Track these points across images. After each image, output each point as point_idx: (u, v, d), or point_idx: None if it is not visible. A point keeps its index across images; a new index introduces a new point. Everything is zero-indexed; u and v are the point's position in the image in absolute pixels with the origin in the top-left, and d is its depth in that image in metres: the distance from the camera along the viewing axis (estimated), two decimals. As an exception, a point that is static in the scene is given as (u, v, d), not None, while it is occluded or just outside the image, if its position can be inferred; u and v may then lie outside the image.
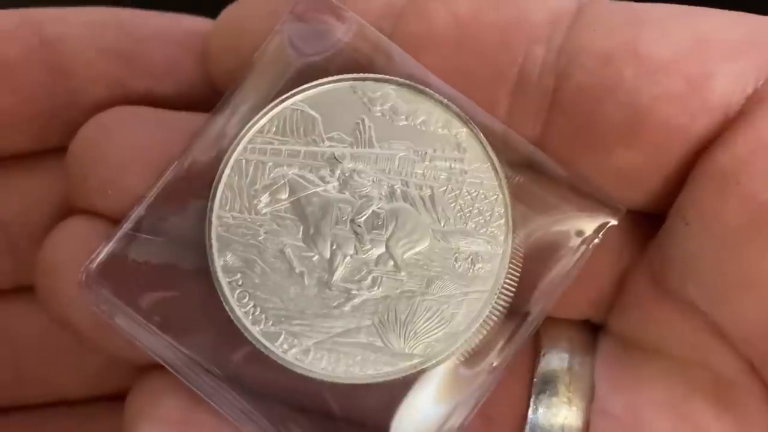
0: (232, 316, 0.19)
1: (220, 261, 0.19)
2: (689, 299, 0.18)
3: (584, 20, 0.19)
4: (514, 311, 0.19)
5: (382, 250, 0.19)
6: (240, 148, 0.19)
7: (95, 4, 0.23)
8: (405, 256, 0.19)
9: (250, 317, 0.19)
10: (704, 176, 0.18)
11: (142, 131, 0.21)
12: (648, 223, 0.19)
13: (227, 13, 0.21)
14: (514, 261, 0.19)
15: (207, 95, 0.22)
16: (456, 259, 0.19)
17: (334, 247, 0.19)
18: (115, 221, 0.20)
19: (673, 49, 0.18)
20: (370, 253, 0.19)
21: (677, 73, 0.18)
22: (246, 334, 0.19)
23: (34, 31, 0.21)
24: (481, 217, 0.19)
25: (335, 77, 0.19)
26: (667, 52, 0.18)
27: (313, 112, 0.19)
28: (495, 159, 0.19)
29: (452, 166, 0.19)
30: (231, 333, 0.19)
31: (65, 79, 0.21)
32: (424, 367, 0.19)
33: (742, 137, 0.17)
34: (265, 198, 0.19)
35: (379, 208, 0.19)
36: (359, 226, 0.19)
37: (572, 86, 0.18)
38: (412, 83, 0.19)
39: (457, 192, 0.19)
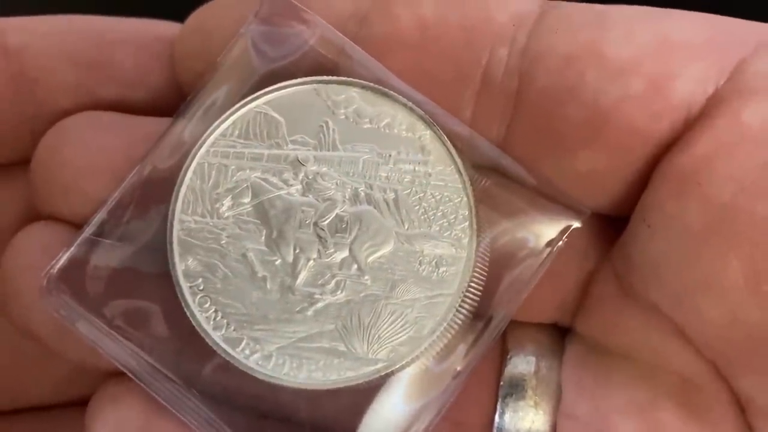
0: (193, 322, 0.19)
1: (181, 265, 0.19)
2: (653, 302, 0.18)
3: (547, 22, 0.19)
4: (479, 315, 0.19)
5: (345, 253, 0.19)
6: (202, 151, 0.19)
7: (74, 10, 0.23)
8: (369, 260, 0.19)
9: (212, 322, 0.19)
10: (665, 178, 0.18)
11: (105, 136, 0.20)
12: (613, 225, 0.19)
13: (194, 17, 0.21)
14: (478, 264, 0.19)
15: (178, 101, 0.21)
16: (420, 263, 0.19)
17: (297, 251, 0.19)
18: (78, 226, 0.19)
19: (635, 51, 0.18)
20: (333, 256, 0.19)
21: (639, 74, 0.18)
22: (207, 340, 0.19)
23: None
24: (445, 220, 0.19)
25: (299, 80, 0.19)
26: (629, 53, 0.18)
27: (276, 115, 0.19)
28: (459, 161, 0.19)
29: (416, 168, 0.19)
30: (193, 339, 0.19)
31: (30, 89, 0.21)
32: (388, 371, 0.19)
33: (702, 138, 0.17)
34: (227, 201, 0.19)
35: (342, 211, 0.19)
36: (323, 229, 0.19)
37: (535, 88, 0.18)
38: (377, 86, 0.19)
39: (422, 195, 0.19)
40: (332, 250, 0.19)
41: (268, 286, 0.19)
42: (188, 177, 0.19)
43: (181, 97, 0.21)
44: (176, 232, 0.19)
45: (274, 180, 0.19)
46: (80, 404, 0.22)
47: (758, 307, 0.17)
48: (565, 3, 0.19)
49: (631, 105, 0.18)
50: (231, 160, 0.19)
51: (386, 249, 0.19)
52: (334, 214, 0.19)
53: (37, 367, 0.23)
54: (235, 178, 0.19)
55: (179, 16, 0.22)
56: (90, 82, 0.21)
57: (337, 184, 0.19)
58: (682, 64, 0.18)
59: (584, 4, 0.19)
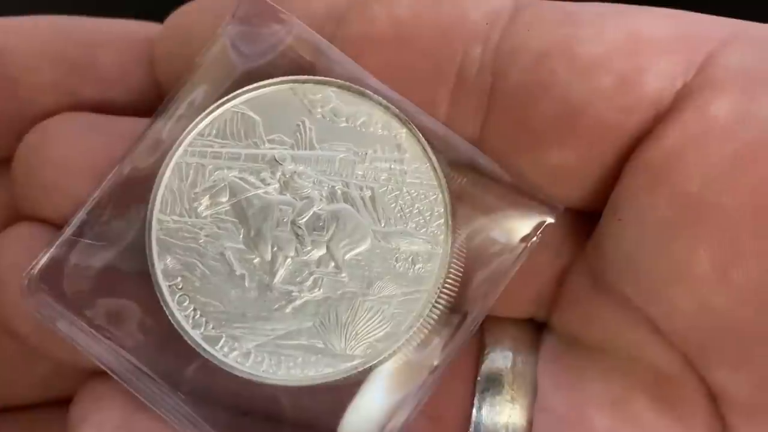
0: (172, 320, 0.19)
1: (160, 265, 0.19)
2: (626, 295, 0.19)
3: (520, 20, 0.19)
4: (455, 310, 0.19)
5: (323, 251, 0.19)
6: (180, 151, 0.19)
7: (56, 11, 0.23)
8: (346, 257, 0.19)
9: (191, 321, 0.19)
10: (635, 172, 0.18)
11: (86, 136, 0.20)
12: (586, 220, 0.20)
13: (174, 17, 0.21)
14: (454, 260, 0.19)
15: (159, 101, 0.21)
16: (396, 260, 0.19)
17: (275, 249, 0.19)
18: (60, 227, 0.20)
19: (605, 47, 0.18)
20: (311, 254, 0.19)
21: (609, 69, 0.18)
22: (187, 339, 0.19)
23: None
24: (421, 217, 0.19)
25: (276, 79, 0.19)
26: (599, 49, 0.18)
27: (253, 115, 0.19)
28: (434, 159, 0.19)
29: (392, 166, 0.19)
30: (173, 338, 0.19)
31: (11, 89, 0.21)
32: (365, 367, 0.19)
33: (671, 131, 0.18)
34: (205, 201, 0.19)
35: (320, 209, 0.19)
36: (300, 227, 0.19)
37: (508, 85, 0.19)
38: (353, 85, 0.19)
39: (398, 192, 0.19)
40: (310, 248, 0.19)
41: (247, 285, 0.19)
42: (166, 177, 0.19)
43: (162, 97, 0.21)
44: (155, 232, 0.19)
45: (252, 179, 0.19)
46: (61, 404, 0.23)
47: (725, 296, 0.17)
48: (538, 1, 0.19)
49: (601, 100, 0.18)
50: (209, 159, 0.19)
51: (363, 246, 0.19)
52: (311, 213, 0.19)
53: (18, 367, 0.23)
54: (212, 177, 0.19)
55: (160, 16, 0.22)
56: (71, 82, 0.22)
57: (314, 182, 0.19)
58: (650, 60, 0.18)
59: (557, 2, 0.19)
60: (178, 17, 0.21)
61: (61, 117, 0.21)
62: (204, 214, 0.19)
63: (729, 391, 0.18)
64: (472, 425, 0.20)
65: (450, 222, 0.19)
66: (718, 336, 0.18)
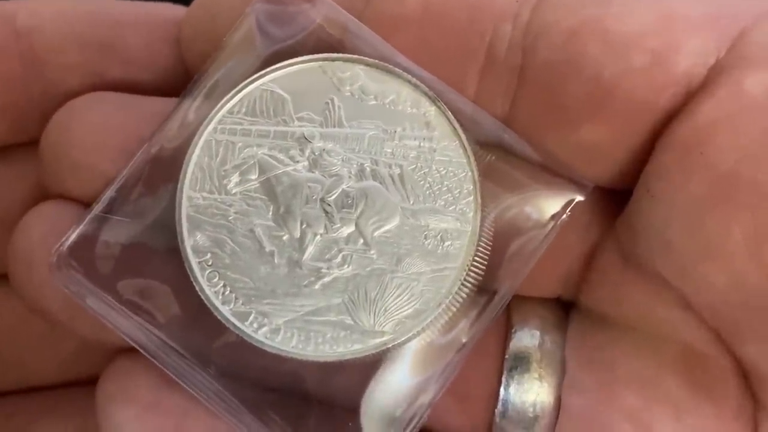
0: (202, 296, 0.19)
1: (190, 241, 0.19)
2: (657, 272, 0.18)
3: (550, -3, 0.19)
4: (484, 288, 0.19)
5: (352, 228, 0.19)
6: (210, 128, 0.19)
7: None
8: (375, 234, 0.19)
9: (220, 297, 0.19)
10: (668, 148, 0.18)
11: (114, 115, 0.21)
12: (615, 198, 0.20)
13: (201, -3, 0.21)
14: (483, 238, 0.19)
15: (185, 83, 0.22)
16: (425, 237, 0.19)
17: (304, 226, 0.19)
18: (87, 205, 0.20)
19: (638, 25, 0.18)
20: (340, 231, 0.19)
21: (642, 47, 0.18)
22: (216, 314, 0.19)
23: (6, 22, 0.21)
24: (450, 195, 0.19)
25: (305, 57, 0.19)
26: (632, 27, 0.18)
27: (282, 93, 0.19)
28: (463, 136, 0.19)
29: (421, 144, 0.19)
30: (202, 314, 0.19)
31: (39, 69, 0.21)
32: (394, 344, 0.19)
33: (704, 108, 0.18)
34: (235, 178, 0.19)
35: (348, 186, 0.19)
36: (329, 205, 0.19)
37: (538, 63, 0.19)
38: (381, 63, 0.19)
39: (426, 170, 0.19)
40: (339, 225, 0.19)
41: (276, 261, 0.19)
42: (196, 154, 0.19)
43: (188, 78, 0.21)
44: (185, 209, 0.19)
45: (281, 156, 0.19)
46: (86, 384, 0.23)
47: (758, 271, 0.17)
48: (568, -21, 0.19)
49: (633, 78, 0.18)
50: (238, 137, 0.19)
51: (392, 223, 0.19)
52: (340, 190, 0.19)
53: (41, 347, 0.23)
54: (242, 154, 0.19)
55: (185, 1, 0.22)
56: (98, 63, 0.22)
57: (342, 160, 0.19)
58: (683, 37, 0.18)
59: (587, -20, 0.19)
60: (204, -3, 0.21)
61: (89, 96, 0.21)
62: (233, 191, 0.19)
63: (761, 368, 0.18)
64: (500, 403, 0.20)
65: (479, 200, 0.19)
66: (751, 312, 0.18)
